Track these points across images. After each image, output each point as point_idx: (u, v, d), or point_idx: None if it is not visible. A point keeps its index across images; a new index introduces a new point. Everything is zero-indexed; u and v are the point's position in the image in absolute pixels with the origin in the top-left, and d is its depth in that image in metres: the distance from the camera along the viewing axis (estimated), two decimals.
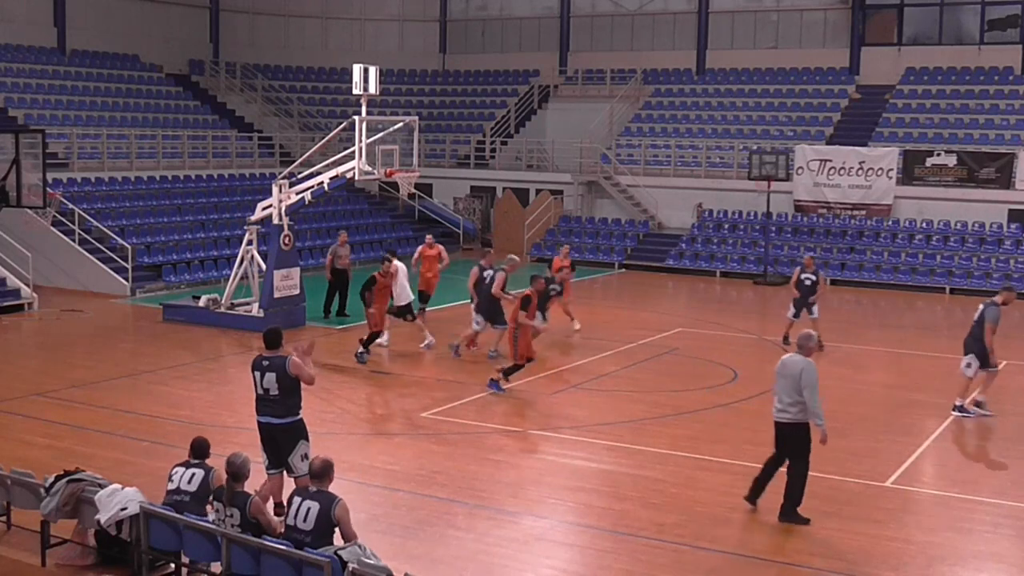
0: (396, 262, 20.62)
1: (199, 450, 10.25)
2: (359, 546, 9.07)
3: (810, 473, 12.11)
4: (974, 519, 12.55)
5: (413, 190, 30.52)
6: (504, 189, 39.00)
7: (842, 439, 15.55)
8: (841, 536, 11.85)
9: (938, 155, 33.29)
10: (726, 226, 35.14)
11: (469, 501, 12.78)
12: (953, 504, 12.89)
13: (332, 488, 9.36)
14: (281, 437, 11.38)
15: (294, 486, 10.49)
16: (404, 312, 20.95)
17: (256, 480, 10.68)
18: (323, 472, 9.37)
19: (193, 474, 10.02)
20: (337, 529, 9.20)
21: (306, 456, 11.34)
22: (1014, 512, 12.83)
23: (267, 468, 11.49)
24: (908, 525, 12.47)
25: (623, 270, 33.98)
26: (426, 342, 20.98)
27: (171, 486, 10.07)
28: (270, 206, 22.98)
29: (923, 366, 20.88)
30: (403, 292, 20.76)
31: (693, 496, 13.07)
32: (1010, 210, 32.11)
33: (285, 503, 10.10)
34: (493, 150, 41.10)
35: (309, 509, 9.14)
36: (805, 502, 12.47)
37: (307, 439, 11.50)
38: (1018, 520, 12.64)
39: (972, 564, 11.40)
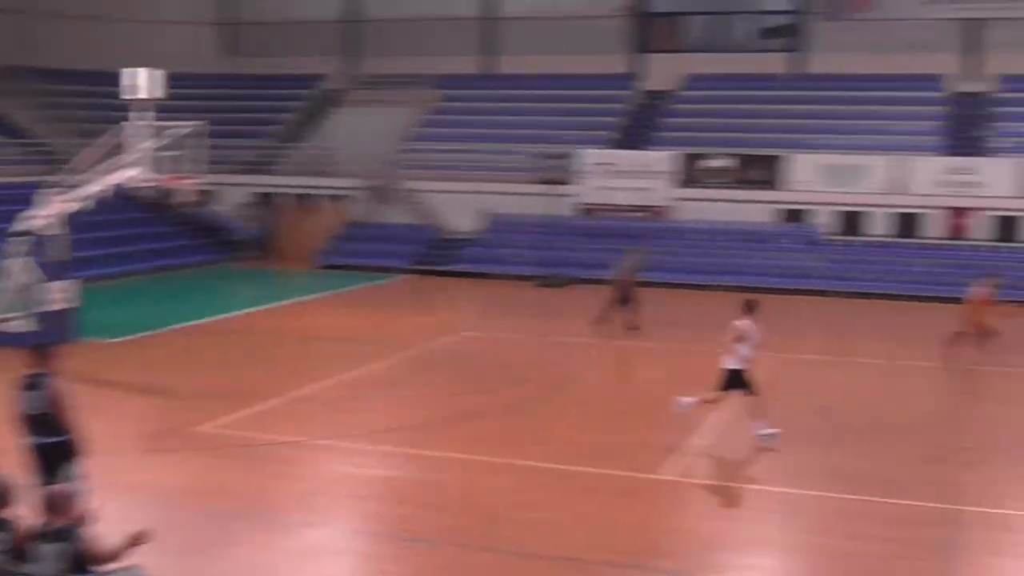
0: None
1: None
2: (136, 568, 8.78)
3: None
4: (747, 506, 13.05)
5: (194, 197, 29.68)
6: (290, 195, 38.43)
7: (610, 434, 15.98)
8: (618, 528, 12.10)
9: (715, 158, 34.67)
10: (512, 229, 35.49)
11: (251, 516, 12.47)
12: (727, 492, 13.36)
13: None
14: (50, 456, 10.89)
15: None
16: None
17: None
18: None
19: None
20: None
21: (77, 476, 10.92)
22: (784, 498, 13.44)
23: (36, 489, 10.97)
24: (683, 514, 12.87)
25: (409, 275, 33.86)
26: None
27: None
28: (41, 215, 22.03)
29: (691, 363, 21.16)
30: None
31: (476, 499, 13.15)
32: (779, 210, 33.77)
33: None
34: (279, 156, 40.42)
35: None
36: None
37: (78, 459, 11.03)
38: (785, 505, 13.24)
39: (744, 549, 11.88)
